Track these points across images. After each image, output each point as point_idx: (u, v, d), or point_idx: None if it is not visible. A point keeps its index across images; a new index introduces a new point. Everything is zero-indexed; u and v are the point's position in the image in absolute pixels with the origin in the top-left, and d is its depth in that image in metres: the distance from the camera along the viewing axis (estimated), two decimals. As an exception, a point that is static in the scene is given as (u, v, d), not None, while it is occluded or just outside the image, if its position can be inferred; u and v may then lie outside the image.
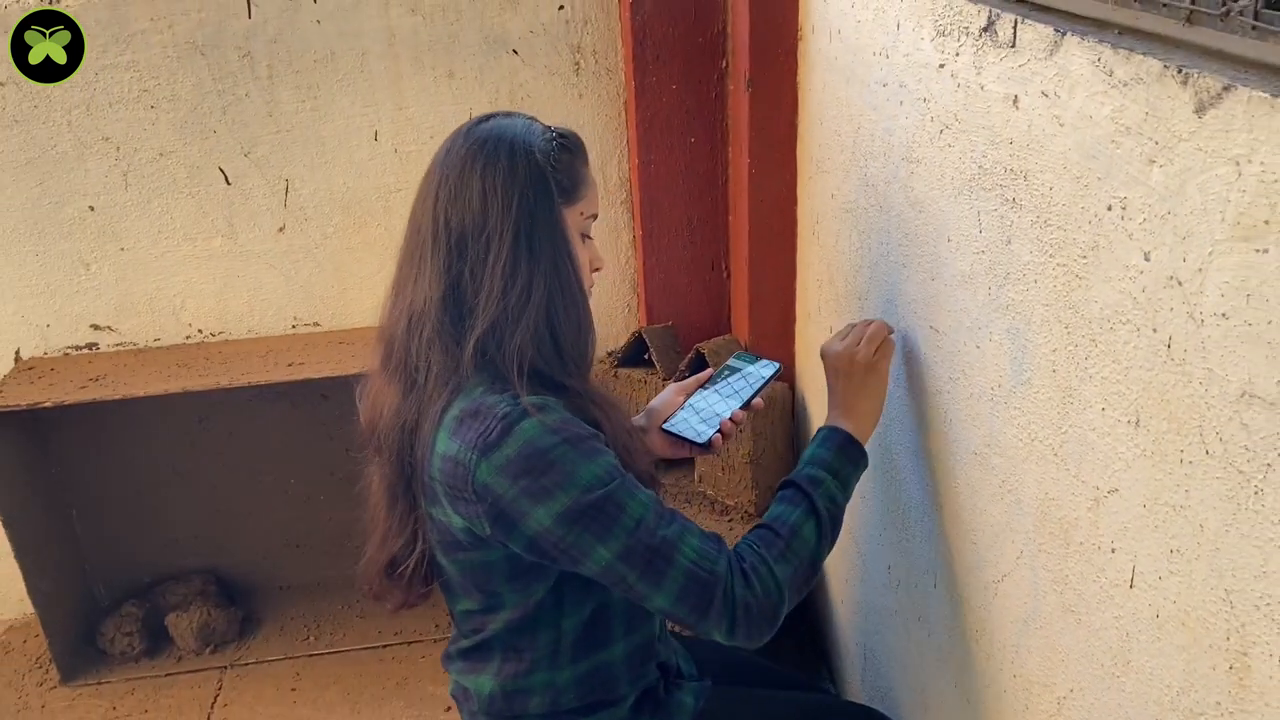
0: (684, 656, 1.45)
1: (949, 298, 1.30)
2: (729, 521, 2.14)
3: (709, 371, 1.48)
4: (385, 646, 2.31)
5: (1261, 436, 0.72)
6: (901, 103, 1.40)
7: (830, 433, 1.35)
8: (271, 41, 2.02)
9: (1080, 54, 0.94)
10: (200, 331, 2.26)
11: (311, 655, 2.31)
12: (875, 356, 1.37)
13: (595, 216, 1.23)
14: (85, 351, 2.23)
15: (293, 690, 2.21)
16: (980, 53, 1.15)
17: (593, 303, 1.32)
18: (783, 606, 1.17)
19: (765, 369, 1.45)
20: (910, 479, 1.53)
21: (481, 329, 1.13)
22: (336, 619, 2.41)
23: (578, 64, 2.13)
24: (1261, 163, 0.70)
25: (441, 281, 1.14)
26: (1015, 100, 1.08)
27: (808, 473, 1.31)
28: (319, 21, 2.02)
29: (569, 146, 1.19)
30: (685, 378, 2.18)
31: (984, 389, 1.23)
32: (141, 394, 2.00)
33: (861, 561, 1.84)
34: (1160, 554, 0.89)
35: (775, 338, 2.15)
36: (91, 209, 2.10)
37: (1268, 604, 0.74)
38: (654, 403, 1.47)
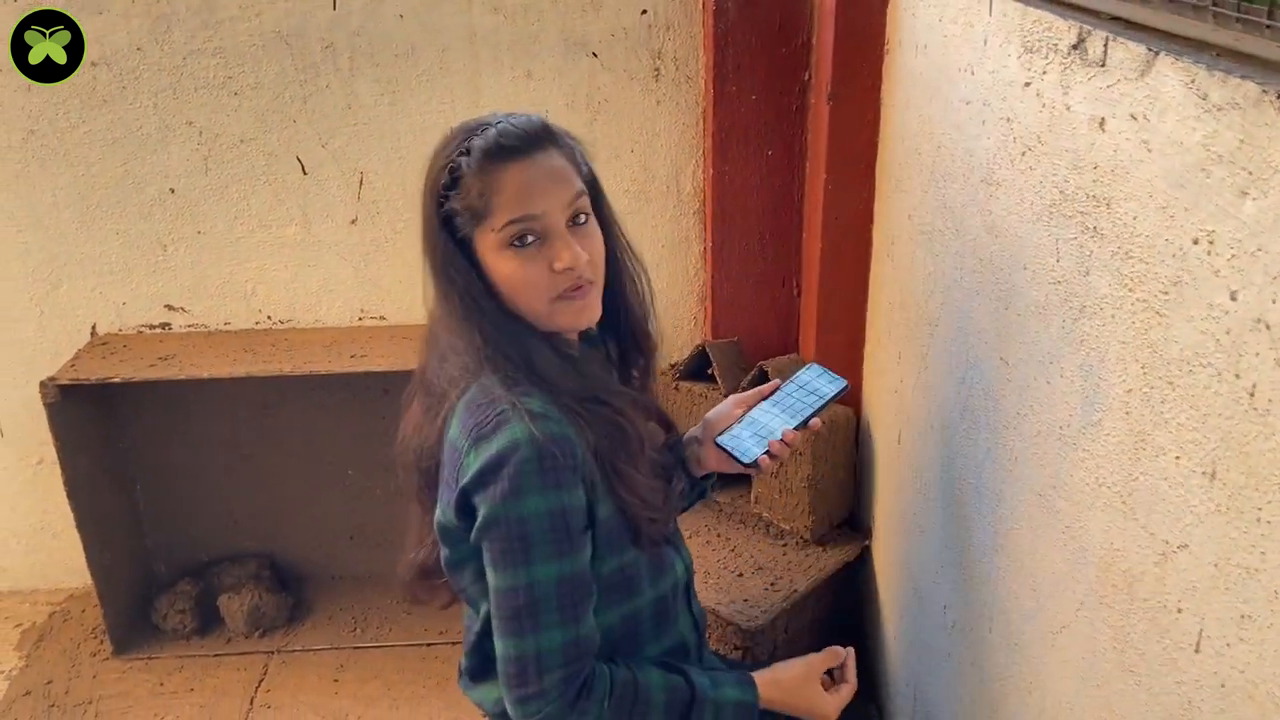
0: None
1: (1021, 328, 1.24)
2: (783, 546, 2.08)
3: (774, 384, 1.41)
4: (429, 645, 2.31)
5: (1352, 502, 0.65)
6: (984, 122, 1.34)
7: (752, 699, 1.28)
8: (354, 34, 2.03)
9: (1173, 75, 0.87)
10: (269, 318, 2.28)
11: (356, 648, 2.31)
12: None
13: (520, 220, 1.11)
14: (158, 330, 2.27)
15: (335, 681, 2.21)
16: (1068, 71, 1.08)
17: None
18: None
19: (830, 386, 1.36)
20: (974, 517, 1.45)
21: (471, 343, 1.18)
22: (384, 613, 2.41)
23: (657, 70, 2.10)
24: (1368, 198, 0.63)
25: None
26: (1102, 123, 1.01)
27: (713, 696, 1.25)
28: (402, 16, 2.03)
29: (469, 162, 1.13)
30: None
31: (1052, 427, 1.16)
32: (207, 375, 2.03)
33: (918, 599, 1.76)
34: (1230, 618, 0.82)
35: (843, 360, 2.08)
36: (172, 191, 2.14)
37: (1348, 688, 0.67)
38: (710, 414, 1.43)
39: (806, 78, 2.02)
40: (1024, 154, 1.21)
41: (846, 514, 2.16)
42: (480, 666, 1.32)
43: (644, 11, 2.05)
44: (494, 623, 1.16)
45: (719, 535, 2.12)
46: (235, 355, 2.12)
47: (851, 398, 2.12)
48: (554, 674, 1.13)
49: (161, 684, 2.22)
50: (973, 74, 1.38)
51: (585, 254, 1.14)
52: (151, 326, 2.27)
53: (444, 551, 1.23)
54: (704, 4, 2.04)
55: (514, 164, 1.12)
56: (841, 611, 2.17)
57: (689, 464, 1.44)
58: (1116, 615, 1.03)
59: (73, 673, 2.25)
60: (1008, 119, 1.26)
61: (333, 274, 2.24)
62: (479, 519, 1.12)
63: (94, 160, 2.10)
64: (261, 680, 2.23)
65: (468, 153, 1.13)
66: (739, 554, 2.06)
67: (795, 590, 1.95)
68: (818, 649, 1.36)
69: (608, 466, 1.18)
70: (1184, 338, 0.86)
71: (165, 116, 2.07)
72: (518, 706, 1.15)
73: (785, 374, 2.04)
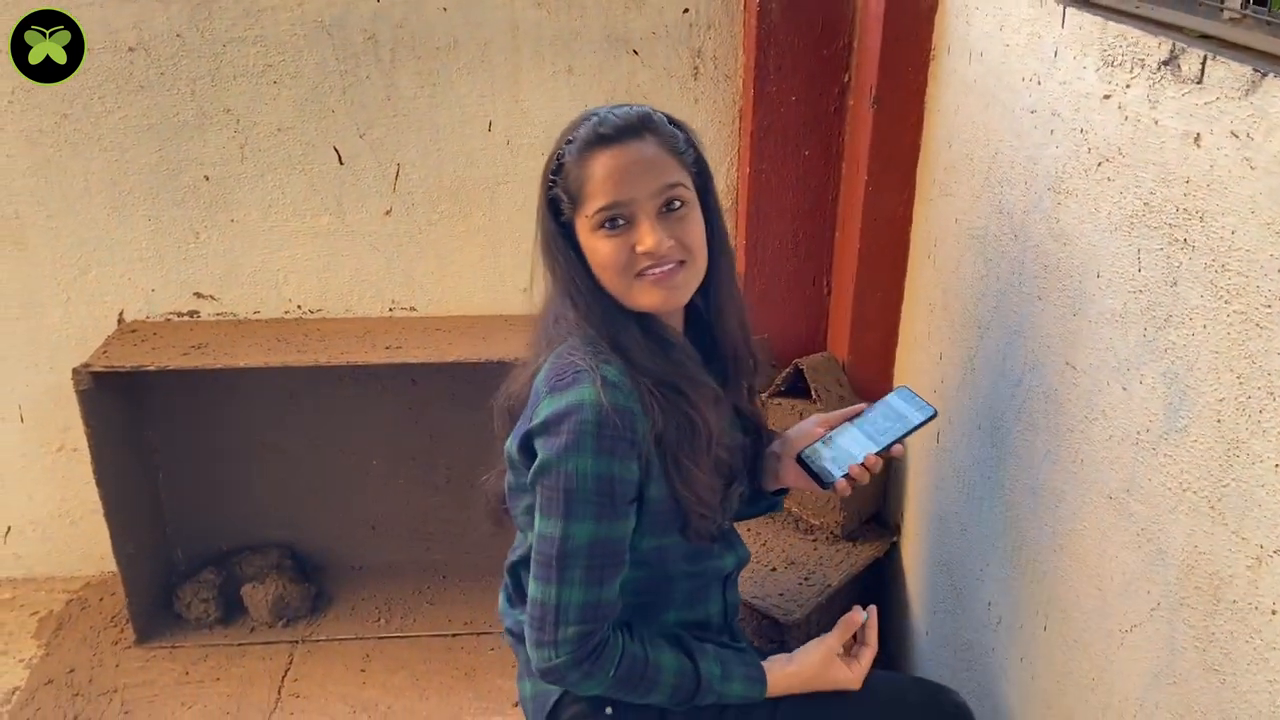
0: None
1: (1092, 335, 1.27)
2: (814, 541, 2.11)
3: (859, 406, 1.42)
4: (454, 636, 2.31)
5: None
6: (1052, 131, 1.37)
7: (759, 695, 1.35)
8: (397, 26, 2.03)
9: (1287, 96, 0.90)
10: (299, 307, 2.27)
11: (381, 638, 2.31)
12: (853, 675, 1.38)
13: (608, 207, 1.20)
14: (187, 318, 2.26)
15: (361, 671, 2.22)
16: (1157, 86, 1.11)
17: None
18: (573, 687, 1.29)
19: (919, 413, 1.36)
20: (1027, 517, 1.48)
21: (568, 313, 1.28)
22: (408, 603, 2.41)
23: (696, 68, 2.11)
24: None
25: None
26: (1197, 138, 1.04)
27: (718, 689, 1.32)
28: (445, 9, 2.02)
29: (571, 151, 1.22)
30: (780, 391, 2.16)
31: (1128, 432, 1.19)
32: (242, 364, 2.02)
33: (955, 594, 1.80)
34: (1338, 623, 0.85)
35: (875, 359, 2.12)
36: (207, 178, 2.13)
37: None
38: (792, 431, 1.46)
39: (846, 80, 2.05)
40: (1100, 164, 1.24)
41: (874, 510, 2.19)
42: (515, 590, 1.43)
43: (686, 10, 2.07)
44: (532, 563, 1.24)
45: (749, 530, 2.14)
46: (268, 344, 2.11)
47: (881, 394, 2.15)
48: (568, 628, 1.21)
49: (187, 673, 2.21)
50: (1039, 84, 1.41)
51: (670, 239, 1.20)
52: (180, 314, 2.25)
53: (508, 477, 1.34)
54: (746, 4, 2.05)
55: (606, 152, 1.20)
56: (865, 603, 2.20)
57: (764, 476, 1.47)
58: (1199, 616, 1.06)
59: (95, 661, 2.24)
60: (1081, 130, 1.28)
61: (365, 265, 2.23)
62: (536, 463, 1.21)
63: (128, 146, 2.08)
64: (287, 670, 2.23)
65: (572, 141, 1.23)
66: (770, 549, 2.09)
67: (829, 585, 1.98)
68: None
69: (670, 454, 1.24)
70: (1293, 351, 0.89)
71: (203, 103, 2.06)
72: (534, 650, 1.24)
73: (820, 373, 2.07)
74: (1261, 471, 0.95)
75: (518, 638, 1.41)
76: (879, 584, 2.18)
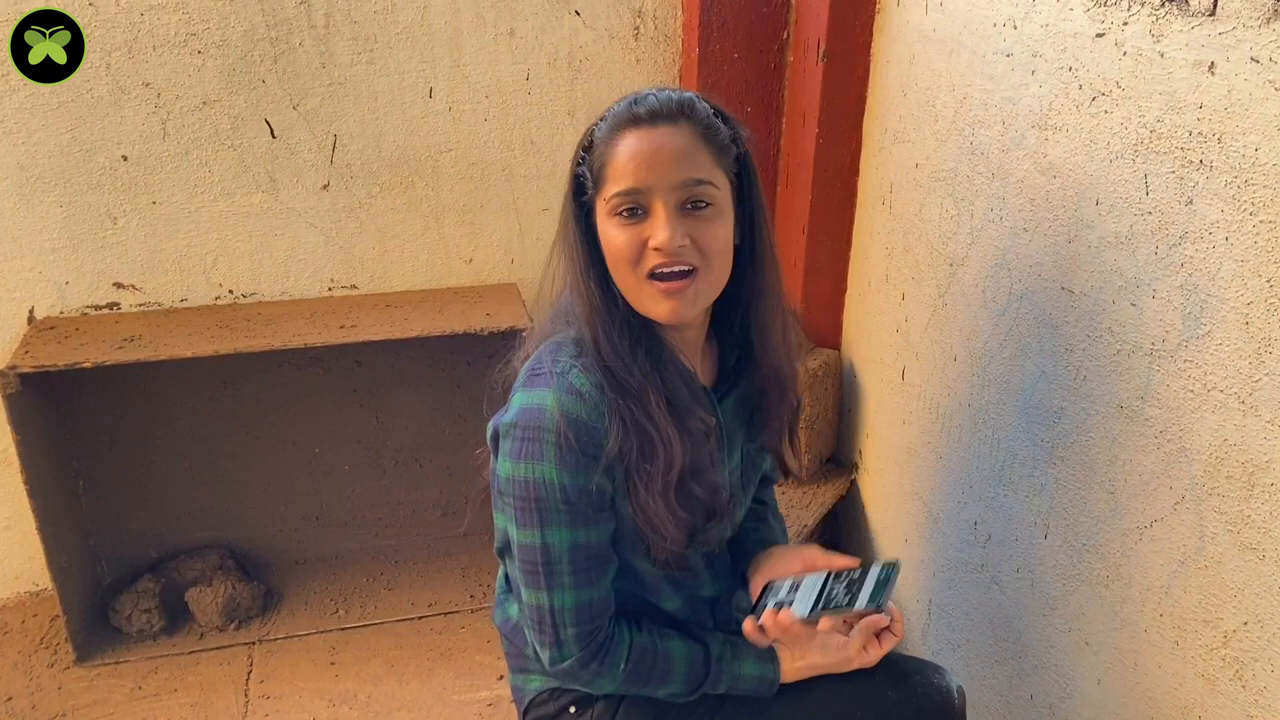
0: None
1: (1092, 259, 1.36)
2: (780, 488, 2.17)
3: (851, 561, 1.29)
4: (421, 618, 2.26)
5: None
6: (1034, 72, 1.45)
7: (773, 675, 1.30)
8: (329, -11, 1.95)
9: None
10: (231, 292, 2.15)
11: (345, 629, 2.24)
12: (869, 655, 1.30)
13: (626, 193, 1.11)
14: (106, 311, 2.10)
15: (332, 664, 2.14)
16: (1161, 22, 1.20)
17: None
18: (587, 685, 1.28)
19: (870, 601, 1.22)
20: (1017, 437, 1.58)
21: (568, 301, 1.22)
22: (364, 592, 2.34)
23: (637, 28, 2.12)
24: None
25: None
26: (1210, 66, 1.14)
27: (730, 669, 1.29)
28: (379, -29, 1.95)
29: (603, 128, 1.14)
30: None
31: (1139, 345, 1.29)
32: (189, 355, 1.90)
33: (931, 519, 1.90)
34: None
35: (825, 307, 2.19)
36: (125, 159, 1.98)
37: None
38: (776, 549, 1.37)
39: (785, 36, 2.10)
40: (1094, 99, 1.33)
41: (831, 452, 2.28)
42: (505, 578, 1.41)
43: (625, -31, 2.07)
44: (518, 573, 1.21)
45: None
46: (210, 333, 2.00)
47: (832, 340, 2.23)
48: (568, 630, 1.19)
49: (139, 687, 2.08)
50: (1016, 28, 1.50)
51: (685, 239, 1.11)
52: (98, 307, 2.10)
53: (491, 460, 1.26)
54: (685, -38, 2.07)
55: (634, 134, 1.12)
56: (830, 545, 2.29)
57: (746, 564, 1.39)
58: (1231, 502, 1.17)
59: (34, 687, 2.07)
60: (1070, 68, 1.37)
61: (301, 243, 2.14)
62: (500, 469, 1.17)
63: (36, 127, 1.91)
64: (250, 672, 2.12)
65: (605, 119, 1.15)
66: (739, 498, 2.14)
67: (805, 526, 2.05)
68: None
69: (629, 476, 1.17)
70: (1339, 249, 0.99)
71: (119, 78, 1.91)
72: (541, 651, 1.22)
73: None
74: (1296, 363, 1.06)
75: (504, 635, 1.41)
76: (842, 521, 2.27)
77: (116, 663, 2.14)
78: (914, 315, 1.89)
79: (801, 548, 1.35)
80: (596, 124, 1.16)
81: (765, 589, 1.28)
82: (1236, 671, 1.20)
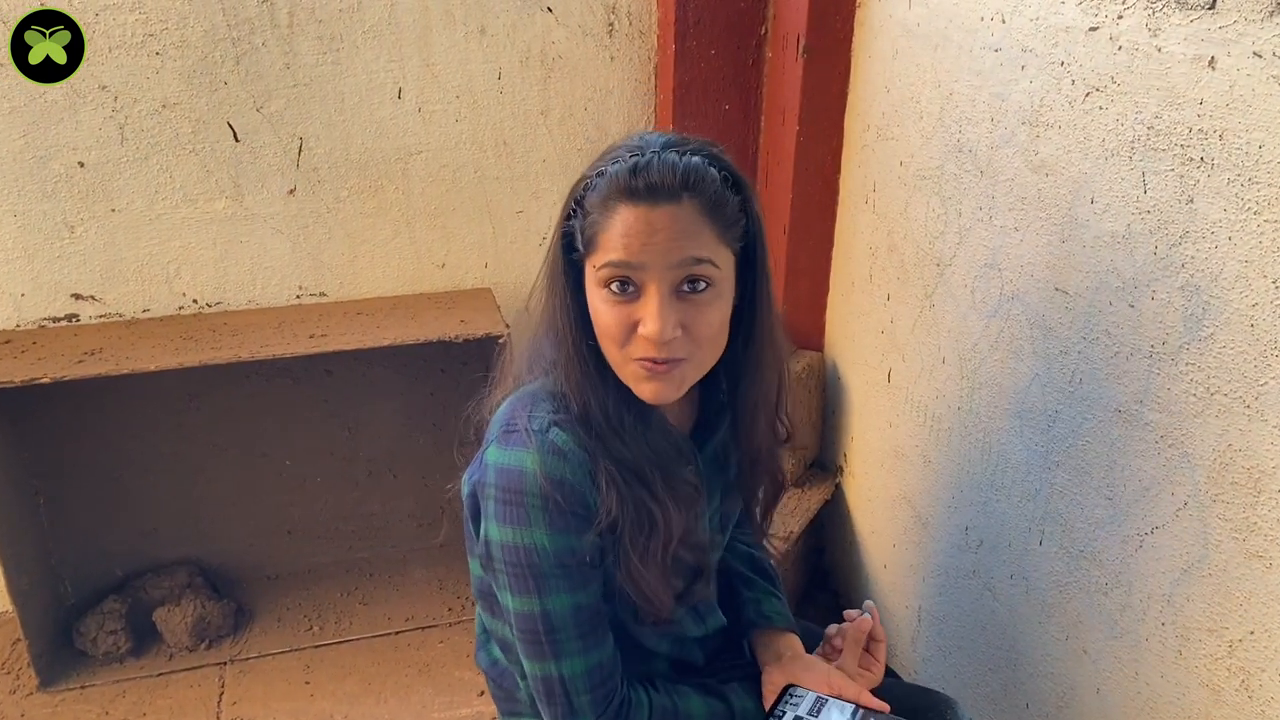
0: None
1: (1087, 259, 1.33)
2: (764, 491, 2.14)
3: (875, 702, 1.22)
4: (398, 633, 2.20)
5: None
6: (1024, 67, 1.42)
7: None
8: (292, -13, 1.88)
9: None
10: (195, 302, 2.08)
11: (319, 646, 2.17)
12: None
13: (617, 265, 1.01)
14: (65, 324, 2.02)
15: (306, 683, 2.07)
16: (1158, 15, 1.17)
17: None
18: None
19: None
20: (1010, 441, 1.55)
21: (548, 350, 1.14)
22: (338, 607, 2.28)
23: (611, 25, 2.06)
24: None
25: None
26: (1211, 61, 1.10)
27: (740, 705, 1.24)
28: (344, -32, 1.89)
29: (599, 186, 1.03)
30: None
31: (1138, 347, 1.25)
32: (154, 368, 1.82)
33: (920, 524, 1.87)
34: None
35: (808, 308, 2.16)
36: (81, 165, 1.90)
37: None
38: (799, 652, 1.30)
39: (763, 32, 2.05)
40: (1088, 95, 1.29)
41: (815, 455, 2.24)
42: (482, 631, 1.34)
43: (597, -35, 2.01)
44: (516, 641, 1.14)
45: (698, 488, 2.15)
46: (174, 344, 1.92)
47: (815, 341, 2.20)
48: (583, 696, 1.13)
49: (106, 713, 2.01)
50: (1004, 22, 1.46)
51: (679, 328, 1.02)
52: (56, 319, 2.02)
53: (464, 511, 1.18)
54: (659, -43, 2.02)
55: (630, 209, 1.01)
56: (815, 550, 2.26)
57: (754, 638, 1.33)
58: (1236, 509, 1.14)
59: (-5, 715, 2.00)
60: (1061, 63, 1.34)
61: (267, 250, 2.07)
62: (488, 536, 1.10)
63: (-14, 133, 1.83)
64: (222, 694, 2.06)
65: (603, 175, 1.03)
66: (723, 504, 2.10)
67: (792, 532, 2.01)
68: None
69: (621, 544, 1.11)
70: (1353, 250, 0.96)
71: (74, 81, 1.83)
72: None
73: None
74: (1305, 367, 1.03)
75: (490, 679, 1.34)
76: (827, 526, 2.24)
77: (82, 687, 2.06)
78: (900, 316, 1.85)
79: (830, 667, 1.26)
80: (591, 178, 1.05)
81: (785, 693, 1.22)
82: (1243, 681, 1.17)
